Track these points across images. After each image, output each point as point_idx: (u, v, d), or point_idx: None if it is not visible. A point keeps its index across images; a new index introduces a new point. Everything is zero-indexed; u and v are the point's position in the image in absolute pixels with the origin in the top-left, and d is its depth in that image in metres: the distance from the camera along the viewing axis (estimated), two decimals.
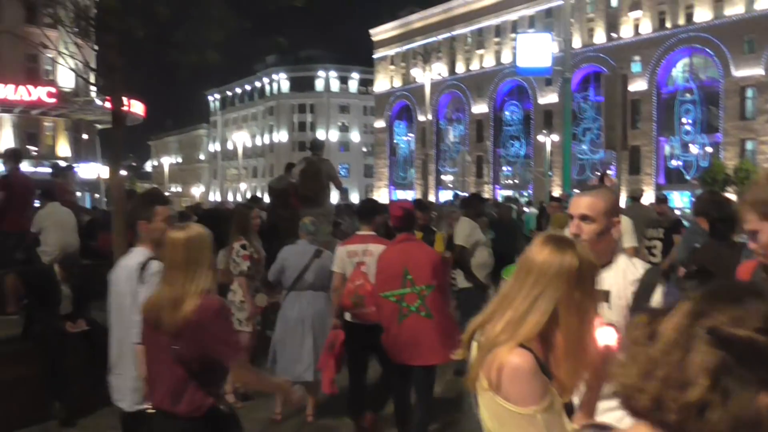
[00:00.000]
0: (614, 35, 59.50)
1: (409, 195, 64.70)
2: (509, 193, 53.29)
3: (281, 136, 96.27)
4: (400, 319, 5.16)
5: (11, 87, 39.15)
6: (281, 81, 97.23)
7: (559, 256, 1.90)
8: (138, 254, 3.96)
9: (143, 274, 3.78)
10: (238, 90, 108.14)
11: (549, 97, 61.36)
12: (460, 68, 72.85)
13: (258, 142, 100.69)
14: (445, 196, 50.66)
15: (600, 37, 60.45)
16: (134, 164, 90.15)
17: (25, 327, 6.67)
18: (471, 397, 2.00)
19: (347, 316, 5.79)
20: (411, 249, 5.31)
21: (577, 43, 54.87)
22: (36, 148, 42.39)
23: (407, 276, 5.13)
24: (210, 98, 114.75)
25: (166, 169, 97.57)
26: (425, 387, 5.41)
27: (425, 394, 5.44)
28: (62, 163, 21.63)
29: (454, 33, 72.71)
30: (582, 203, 2.74)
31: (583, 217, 2.70)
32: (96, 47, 10.11)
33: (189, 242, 3.25)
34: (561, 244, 1.93)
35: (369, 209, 6.13)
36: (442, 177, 74.02)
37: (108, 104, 8.72)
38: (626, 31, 58.97)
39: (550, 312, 1.86)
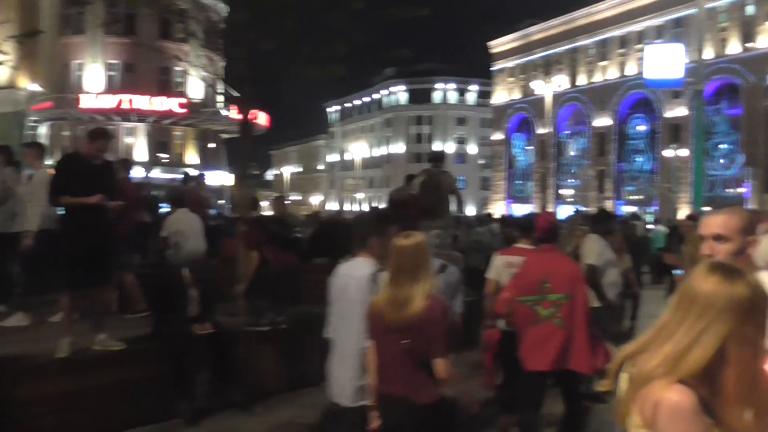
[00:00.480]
0: (750, 45, 56.25)
1: (526, 209, 63.51)
2: (633, 209, 51.32)
3: (398, 147, 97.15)
4: (533, 323, 5.31)
5: (146, 98, 41.58)
6: (399, 93, 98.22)
7: (728, 286, 1.71)
8: (364, 265, 4.25)
9: (373, 284, 4.06)
10: (357, 102, 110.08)
11: (677, 110, 58.66)
12: (581, 80, 70.95)
13: (375, 153, 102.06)
14: (565, 210, 49.39)
15: (734, 47, 57.30)
16: (257, 173, 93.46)
17: (153, 328, 6.94)
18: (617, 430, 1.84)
19: (501, 324, 6.01)
20: (553, 259, 5.51)
21: (708, 53, 52.26)
22: (167, 156, 44.76)
23: (545, 284, 5.30)
24: (329, 110, 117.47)
25: (287, 178, 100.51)
26: (569, 395, 5.52)
27: (571, 404, 5.53)
28: (192, 171, 22.62)
29: (576, 44, 70.94)
30: (714, 222, 2.60)
31: (717, 237, 2.56)
32: (225, 60, 10.48)
33: (417, 249, 3.65)
34: (730, 273, 1.74)
35: (529, 224, 6.31)
36: (561, 191, 72.24)
37: (235, 115, 8.99)
38: (764, 42, 55.62)
39: (716, 348, 1.67)
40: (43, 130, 44.91)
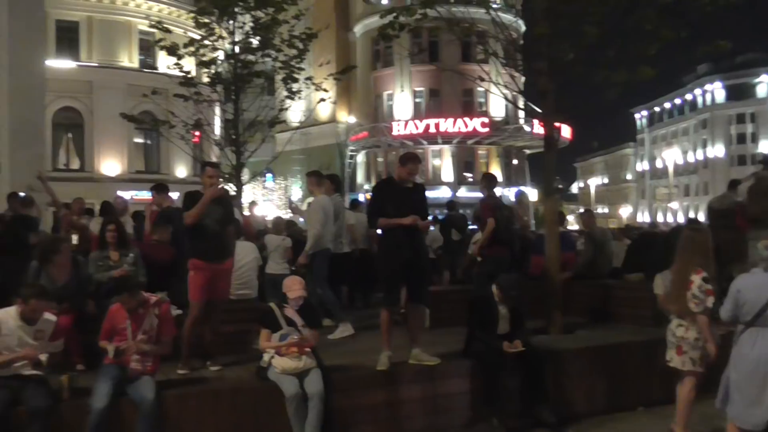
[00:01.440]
0: None
1: None
2: None
3: (716, 150, 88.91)
4: None
5: (450, 120, 43.32)
6: (715, 91, 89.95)
7: None
8: None
9: None
10: (667, 105, 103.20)
11: None
12: None
13: (690, 158, 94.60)
14: None
15: None
16: (561, 186, 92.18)
17: (465, 344, 7.06)
18: None
19: None
20: None
21: None
22: (471, 175, 46.09)
23: None
24: (637, 115, 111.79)
25: (593, 190, 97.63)
26: None
27: None
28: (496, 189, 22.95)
29: None
30: None
31: None
32: (525, 75, 10.43)
33: None
34: None
35: None
36: None
37: (538, 129, 8.87)
38: None
39: None
40: (360, 158, 49.08)
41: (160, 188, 9.42)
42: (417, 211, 6.65)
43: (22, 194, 10.90)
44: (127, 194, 19.47)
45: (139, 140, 33.76)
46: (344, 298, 10.56)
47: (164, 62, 24.56)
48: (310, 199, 10.06)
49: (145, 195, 24.33)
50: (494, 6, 8.88)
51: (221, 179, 8.18)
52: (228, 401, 6.07)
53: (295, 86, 14.27)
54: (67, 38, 32.83)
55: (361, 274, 10.92)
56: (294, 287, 6.29)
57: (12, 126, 20.33)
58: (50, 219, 11.52)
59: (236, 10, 13.88)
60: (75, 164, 32.66)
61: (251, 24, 14.14)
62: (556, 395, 6.98)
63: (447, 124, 43.52)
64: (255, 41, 14.13)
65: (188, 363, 6.68)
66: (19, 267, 7.12)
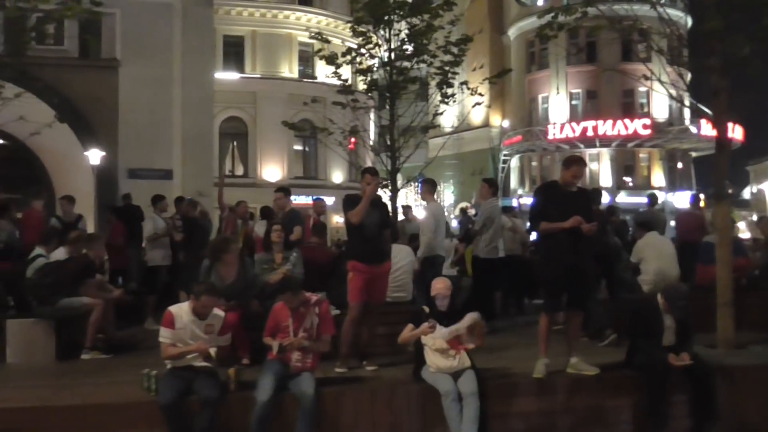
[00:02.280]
0: None
1: None
2: None
3: None
4: None
5: (609, 122, 41.67)
6: None
7: None
8: None
9: None
10: None
11: None
12: None
13: None
14: None
15: None
16: (731, 191, 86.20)
17: (627, 354, 6.75)
18: None
19: None
20: None
21: None
22: (631, 179, 44.11)
23: None
24: None
25: None
26: None
27: None
28: (659, 193, 21.85)
29: None
30: None
31: None
32: (692, 73, 9.84)
33: None
34: None
35: None
36: None
37: (706, 131, 8.33)
38: None
39: None
40: (513, 163, 48.38)
41: (284, 191, 9.73)
42: (582, 215, 6.42)
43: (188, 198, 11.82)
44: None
45: (298, 147, 35.18)
46: (498, 303, 10.43)
47: (322, 72, 25.54)
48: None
49: (304, 200, 25.52)
50: (661, 1, 8.44)
51: (379, 184, 8.32)
52: (384, 401, 6.18)
53: (449, 91, 14.31)
54: (233, 52, 34.83)
55: (515, 280, 10.75)
56: (436, 286, 6.38)
57: (184, 135, 21.78)
58: (216, 221, 12.31)
59: (392, 18, 14.13)
60: (239, 171, 34.56)
61: (407, 31, 14.35)
62: (726, 414, 6.51)
63: (606, 127, 41.86)
64: (410, 48, 14.32)
65: (346, 362, 6.87)
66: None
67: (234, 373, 6.03)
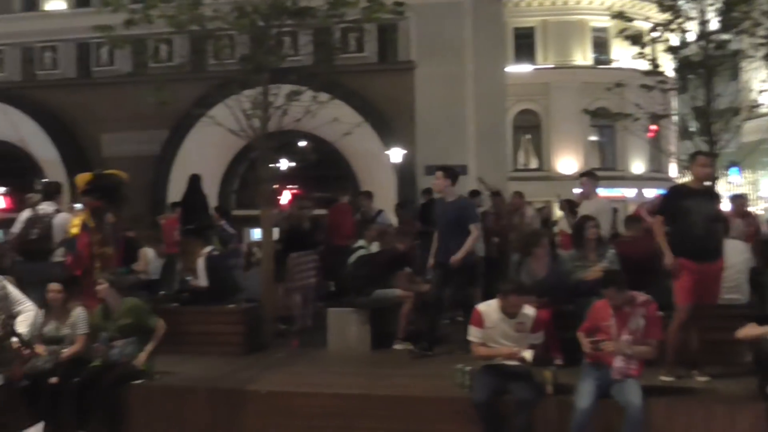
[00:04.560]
0: None
1: None
2: None
3: None
4: None
5: None
6: None
7: None
8: None
9: None
10: None
11: None
12: None
13: None
14: None
15: None
16: None
17: None
18: None
19: None
20: None
21: None
22: None
23: None
24: None
25: None
26: None
27: None
28: None
29: None
30: None
31: None
32: None
33: None
34: None
35: None
36: None
37: None
38: None
39: None
40: None
41: (367, 195, 9.08)
42: None
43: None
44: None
45: (593, 138, 33.82)
46: None
47: (619, 56, 24.06)
48: None
49: (607, 192, 24.27)
50: None
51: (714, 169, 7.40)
52: (724, 419, 5.40)
53: None
54: (524, 44, 34.43)
55: None
56: None
57: (477, 130, 21.96)
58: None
59: None
60: (533, 164, 34.13)
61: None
62: None
63: None
64: (728, 17, 12.71)
65: (673, 370, 6.16)
66: None
67: (551, 375, 5.68)
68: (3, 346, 4.79)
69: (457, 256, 7.27)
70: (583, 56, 34.05)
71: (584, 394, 5.30)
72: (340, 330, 8.18)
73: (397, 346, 7.93)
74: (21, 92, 23.37)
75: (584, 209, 8.31)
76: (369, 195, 12.13)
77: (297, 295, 9.59)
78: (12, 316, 5.02)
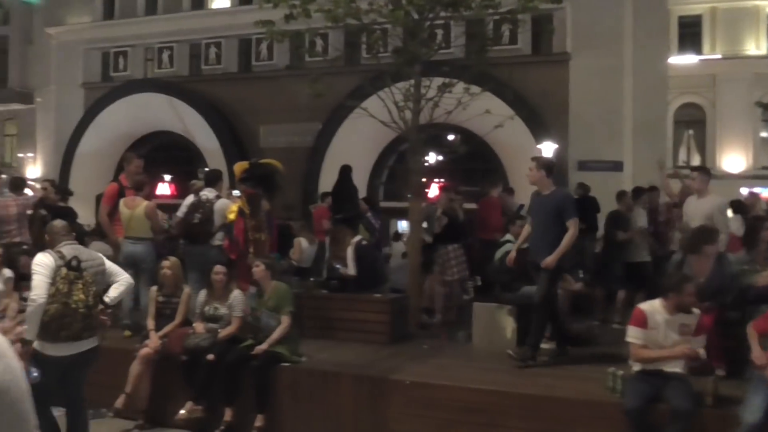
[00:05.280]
0: None
1: None
2: None
3: None
4: None
5: None
6: None
7: None
8: None
9: None
10: None
11: None
12: None
13: None
14: None
15: None
16: None
17: None
18: None
19: None
20: None
21: None
22: None
23: None
24: None
25: None
26: None
27: None
28: None
29: None
30: None
31: None
32: None
33: None
34: None
35: None
36: None
37: None
38: None
39: None
40: None
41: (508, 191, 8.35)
42: None
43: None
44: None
45: (765, 134, 31.36)
46: None
47: None
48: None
49: None
50: None
51: None
52: None
53: None
54: (690, 33, 32.42)
55: None
56: None
57: (635, 124, 20.98)
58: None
59: None
60: (695, 160, 32.16)
61: None
62: None
63: None
64: None
65: None
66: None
67: (712, 386, 5.28)
68: (92, 314, 5.09)
69: (551, 258, 6.76)
70: (756, 45, 31.62)
71: (753, 409, 4.87)
72: (485, 325, 8.06)
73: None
74: (187, 86, 24.98)
75: (696, 208, 7.68)
76: (510, 191, 11.98)
77: (442, 288, 9.54)
78: (106, 289, 5.32)
